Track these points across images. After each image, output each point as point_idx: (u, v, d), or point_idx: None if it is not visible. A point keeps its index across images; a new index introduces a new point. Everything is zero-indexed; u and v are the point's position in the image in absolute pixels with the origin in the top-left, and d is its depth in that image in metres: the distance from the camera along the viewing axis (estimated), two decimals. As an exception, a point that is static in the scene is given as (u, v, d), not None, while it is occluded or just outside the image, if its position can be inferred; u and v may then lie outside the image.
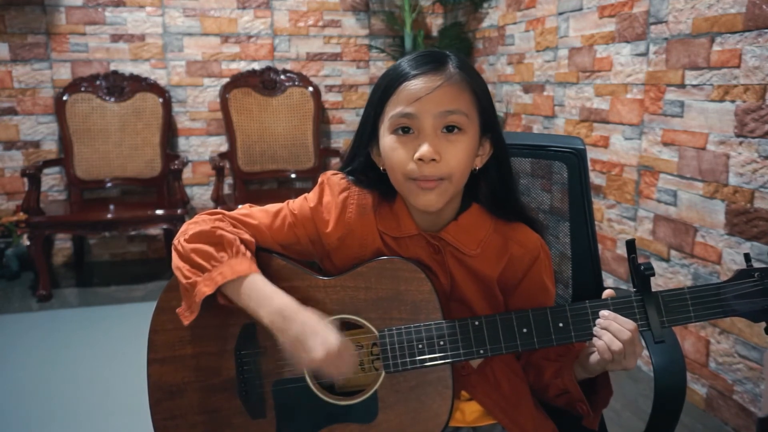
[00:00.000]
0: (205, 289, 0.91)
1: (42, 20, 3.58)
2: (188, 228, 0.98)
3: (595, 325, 0.91)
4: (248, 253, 0.94)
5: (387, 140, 0.94)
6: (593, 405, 0.98)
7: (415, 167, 0.91)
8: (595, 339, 0.90)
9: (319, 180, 1.03)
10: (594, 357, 0.91)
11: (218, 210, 1.01)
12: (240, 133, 3.79)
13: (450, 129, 0.91)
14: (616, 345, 0.88)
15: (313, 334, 0.87)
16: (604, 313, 0.91)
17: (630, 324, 0.89)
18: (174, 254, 0.97)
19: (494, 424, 1.02)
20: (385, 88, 0.94)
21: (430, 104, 0.90)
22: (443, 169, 0.90)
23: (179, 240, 0.97)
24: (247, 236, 0.97)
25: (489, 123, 0.96)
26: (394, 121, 0.92)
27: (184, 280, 0.93)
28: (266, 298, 0.91)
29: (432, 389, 0.93)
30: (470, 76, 0.94)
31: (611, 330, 0.88)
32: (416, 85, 0.91)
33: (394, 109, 0.92)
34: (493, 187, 1.00)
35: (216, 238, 0.94)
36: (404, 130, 0.92)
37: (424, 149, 0.89)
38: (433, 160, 0.89)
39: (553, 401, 1.04)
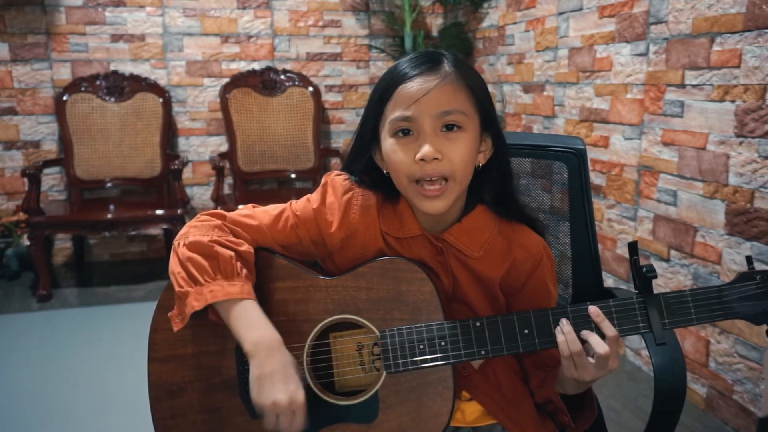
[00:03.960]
0: (195, 303, 0.91)
1: (42, 20, 3.58)
2: (189, 231, 0.97)
3: (595, 328, 0.90)
4: (243, 272, 0.94)
5: (388, 144, 0.94)
6: (576, 420, 0.99)
7: (418, 168, 0.91)
8: (557, 332, 0.89)
9: (323, 181, 1.03)
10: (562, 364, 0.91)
11: (220, 211, 1.01)
12: (240, 133, 3.79)
13: (449, 128, 0.91)
14: (576, 346, 0.88)
15: (272, 384, 0.87)
16: (592, 310, 0.90)
17: (611, 331, 0.88)
18: (173, 255, 0.97)
19: (494, 424, 1.02)
20: (382, 92, 0.94)
21: (427, 105, 0.90)
22: (446, 166, 0.91)
23: (179, 243, 0.96)
24: (245, 247, 0.96)
25: (488, 119, 0.96)
26: (394, 125, 0.92)
27: (177, 288, 0.93)
28: (251, 327, 0.91)
29: (433, 390, 0.93)
30: (466, 74, 0.94)
31: (590, 341, 0.88)
32: (412, 87, 0.91)
33: (392, 113, 0.92)
34: (495, 184, 1.00)
35: (212, 254, 0.93)
36: (404, 132, 0.92)
37: (425, 150, 0.89)
38: (435, 159, 0.90)
39: (542, 408, 1.04)
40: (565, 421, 0.99)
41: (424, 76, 0.91)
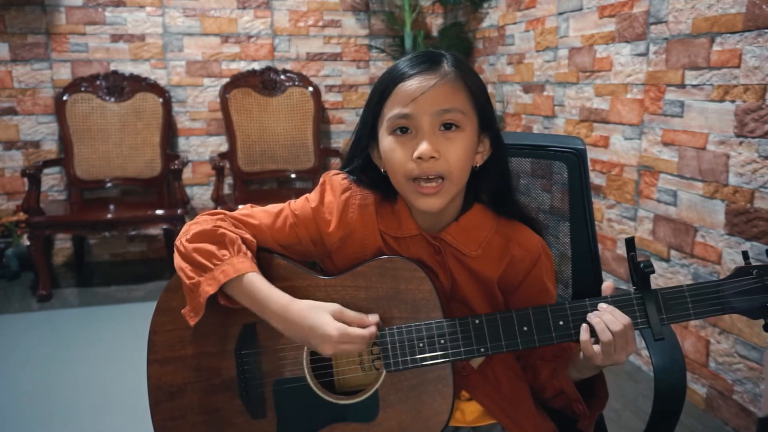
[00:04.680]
0: (208, 288, 0.91)
1: (42, 20, 3.58)
2: (190, 228, 0.98)
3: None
4: (249, 253, 0.95)
5: (386, 141, 0.94)
6: (589, 408, 0.99)
7: (415, 166, 0.91)
8: (582, 330, 0.90)
9: (321, 180, 1.03)
10: (582, 349, 0.91)
11: (220, 210, 1.01)
12: (240, 133, 3.79)
13: (448, 127, 0.92)
14: (606, 335, 0.88)
15: (311, 332, 0.89)
16: (602, 305, 0.91)
17: (625, 318, 0.89)
18: (176, 254, 0.97)
19: (494, 424, 1.02)
20: (382, 91, 0.95)
21: (426, 103, 0.90)
22: (443, 166, 0.91)
23: (181, 240, 0.97)
24: (248, 236, 0.97)
25: (487, 120, 0.96)
26: (392, 122, 0.93)
27: (187, 281, 0.93)
28: (264, 301, 0.92)
29: (432, 388, 0.93)
30: (465, 74, 0.94)
31: (604, 320, 0.89)
32: (412, 85, 0.91)
33: (391, 111, 0.93)
34: (493, 184, 1.00)
35: (218, 237, 0.94)
36: (402, 130, 0.93)
37: (423, 148, 0.90)
38: (433, 157, 0.90)
39: (551, 402, 1.04)
40: (579, 409, 0.98)
41: (424, 74, 0.92)
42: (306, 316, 0.89)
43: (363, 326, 0.90)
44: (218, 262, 0.92)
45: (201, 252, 0.94)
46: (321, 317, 0.89)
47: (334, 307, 0.90)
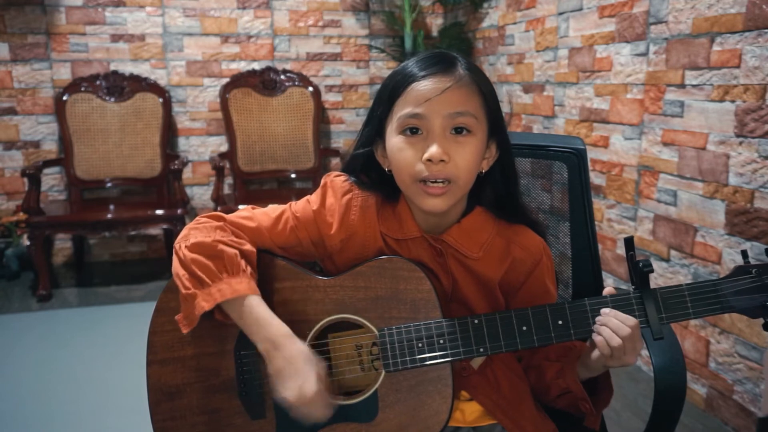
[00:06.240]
0: (204, 304, 0.91)
1: (42, 20, 3.58)
2: (190, 233, 0.97)
3: (594, 323, 0.91)
4: (248, 270, 0.94)
5: (394, 141, 0.94)
6: (595, 405, 0.98)
7: (423, 168, 0.90)
8: (594, 335, 0.90)
9: (322, 182, 1.03)
10: (595, 354, 0.91)
11: (219, 213, 1.00)
12: (240, 133, 3.79)
13: (459, 130, 0.91)
14: (615, 341, 0.88)
15: (294, 374, 0.88)
16: (605, 310, 0.91)
17: (630, 320, 0.89)
18: (175, 258, 0.96)
19: (494, 425, 1.02)
20: (392, 89, 0.94)
21: (439, 105, 0.90)
22: (451, 170, 0.90)
23: (181, 245, 0.96)
24: (247, 247, 0.96)
25: (496, 126, 0.96)
26: (403, 122, 0.92)
27: (183, 290, 0.93)
28: (262, 322, 0.91)
29: (432, 388, 0.93)
30: (479, 79, 0.94)
31: (610, 326, 0.89)
32: (426, 85, 0.91)
33: (402, 110, 0.92)
34: (497, 190, 1.00)
35: (217, 253, 0.93)
36: (412, 130, 0.92)
37: (434, 150, 0.89)
38: (442, 161, 0.89)
39: (554, 402, 1.04)
40: (586, 408, 0.98)
41: (439, 76, 0.91)
42: (302, 358, 0.89)
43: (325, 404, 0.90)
44: (216, 280, 0.92)
45: (199, 265, 0.93)
46: (312, 371, 0.88)
47: (322, 367, 0.90)
